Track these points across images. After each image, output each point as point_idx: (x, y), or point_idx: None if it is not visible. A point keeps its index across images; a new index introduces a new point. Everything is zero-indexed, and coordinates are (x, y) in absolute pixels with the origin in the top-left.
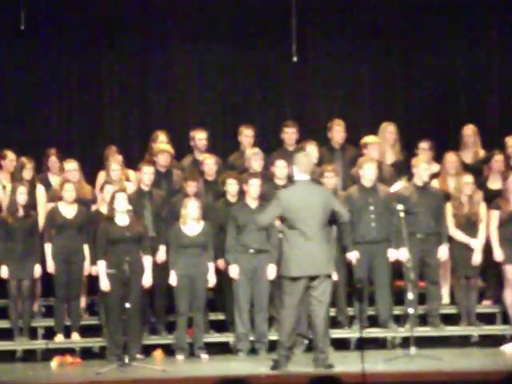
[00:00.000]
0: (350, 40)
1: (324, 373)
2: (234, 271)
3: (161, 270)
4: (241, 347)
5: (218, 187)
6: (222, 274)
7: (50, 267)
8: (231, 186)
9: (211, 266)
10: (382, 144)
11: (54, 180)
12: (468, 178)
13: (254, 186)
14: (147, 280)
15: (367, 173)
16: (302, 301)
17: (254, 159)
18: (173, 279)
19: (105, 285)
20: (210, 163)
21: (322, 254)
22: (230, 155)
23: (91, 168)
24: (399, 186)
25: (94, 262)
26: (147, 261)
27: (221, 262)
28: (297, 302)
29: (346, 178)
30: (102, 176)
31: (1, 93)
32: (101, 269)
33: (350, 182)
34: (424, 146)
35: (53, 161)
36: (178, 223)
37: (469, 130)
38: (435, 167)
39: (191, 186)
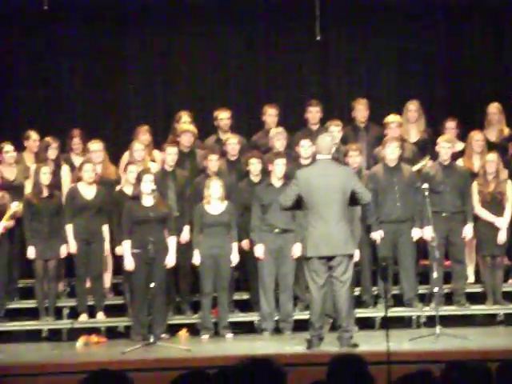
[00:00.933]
0: (373, 18)
1: (347, 352)
2: (259, 251)
3: (185, 250)
4: (266, 327)
5: (241, 167)
6: (246, 254)
7: (72, 248)
8: (254, 166)
9: (235, 246)
10: (405, 122)
11: (78, 161)
12: (493, 156)
13: (279, 166)
14: (171, 260)
15: (389, 152)
16: (326, 281)
17: (277, 138)
18: (196, 259)
19: (129, 264)
20: (232, 143)
21: (340, 234)
22: (253, 135)
23: (116, 149)
24: (421, 165)
25: (118, 242)
26: (171, 241)
27: (245, 242)
28: (321, 282)
29: (370, 157)
30: (126, 156)
31: (25, 74)
32: (125, 249)
33: (372, 161)
34: (449, 124)
35: (76, 142)
36: (201, 203)
37: (494, 108)
38: (460, 146)
39: (212, 161)
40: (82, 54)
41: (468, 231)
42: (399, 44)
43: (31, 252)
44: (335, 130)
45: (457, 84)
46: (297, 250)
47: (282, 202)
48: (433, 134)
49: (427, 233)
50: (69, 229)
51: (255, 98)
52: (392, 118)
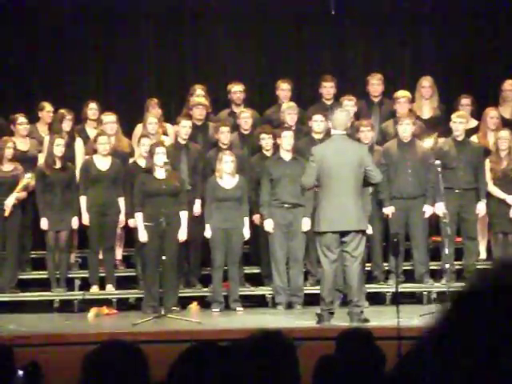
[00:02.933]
0: None
1: (356, 326)
2: (268, 225)
3: (196, 224)
4: (279, 301)
5: (254, 141)
6: (257, 228)
7: (85, 220)
8: (266, 140)
9: (246, 220)
10: (419, 99)
11: (92, 133)
12: (505, 133)
13: (286, 139)
14: (182, 234)
15: (402, 129)
16: (338, 256)
17: (288, 113)
18: (208, 232)
19: (143, 236)
20: (245, 116)
21: (354, 209)
22: (267, 109)
23: (129, 121)
24: (430, 142)
25: (131, 215)
26: (183, 215)
27: (256, 217)
28: (333, 257)
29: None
30: (139, 129)
31: (40, 46)
32: (139, 221)
33: (381, 136)
34: (464, 101)
35: (92, 114)
36: (213, 177)
37: (509, 85)
38: (473, 123)
39: (224, 133)
40: (96, 26)
41: (481, 208)
42: (414, 20)
43: (44, 223)
44: (348, 104)
45: (472, 61)
46: (305, 224)
47: (304, 182)
48: (446, 111)
49: (439, 209)
50: (82, 200)
51: (269, 72)
52: (401, 93)
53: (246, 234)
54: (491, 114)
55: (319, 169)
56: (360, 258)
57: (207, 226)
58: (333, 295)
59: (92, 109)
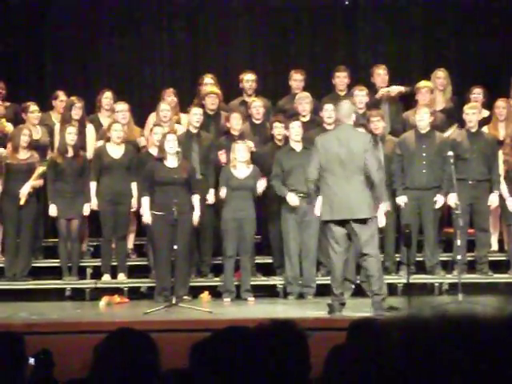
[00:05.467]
0: None
1: (366, 317)
2: (293, 198)
3: (207, 213)
4: (291, 291)
5: (266, 131)
6: (269, 218)
7: (94, 205)
8: (278, 130)
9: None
10: (433, 90)
11: (106, 121)
12: None
13: (294, 129)
14: (196, 218)
15: (419, 119)
16: (346, 247)
17: (300, 103)
18: (225, 219)
19: (147, 219)
20: (257, 105)
21: (356, 197)
22: (280, 99)
23: (141, 111)
24: (450, 133)
25: (138, 199)
26: (196, 199)
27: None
28: (339, 248)
29: (395, 122)
30: (152, 118)
31: (56, 36)
32: (144, 205)
33: (401, 125)
34: (476, 92)
35: (106, 102)
36: (227, 166)
37: None
38: (485, 113)
39: (235, 119)
40: (110, 15)
41: (493, 199)
42: (427, 11)
43: (53, 210)
44: (360, 94)
45: (483, 52)
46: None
47: (308, 176)
48: (459, 102)
49: (451, 200)
50: (92, 186)
51: (282, 62)
52: (423, 84)
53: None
54: (501, 104)
55: (323, 158)
56: (371, 245)
57: (224, 211)
58: (342, 287)
59: (107, 98)
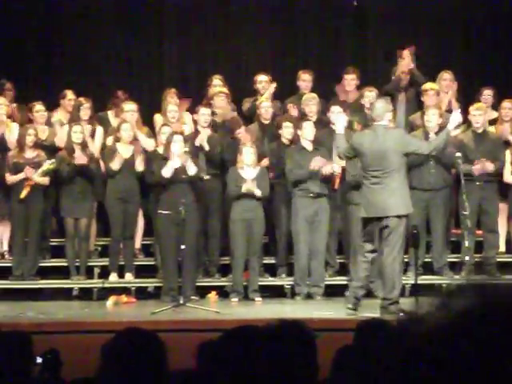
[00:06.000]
0: None
1: (372, 317)
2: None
3: (215, 213)
4: (299, 291)
5: (274, 131)
6: (275, 219)
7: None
8: (286, 129)
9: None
10: (439, 92)
11: (115, 121)
12: None
13: (307, 129)
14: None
15: (427, 120)
16: (379, 244)
17: (306, 104)
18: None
19: (167, 172)
20: (266, 106)
21: (393, 196)
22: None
23: (148, 111)
24: (457, 131)
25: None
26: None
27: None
28: (370, 247)
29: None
30: (159, 118)
31: (61, 35)
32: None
33: (409, 127)
34: (486, 92)
35: (118, 101)
36: (235, 167)
37: None
38: (493, 114)
39: (204, 115)
40: (118, 16)
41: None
42: (436, 11)
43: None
44: (369, 95)
45: (492, 53)
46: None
47: (341, 150)
48: (465, 104)
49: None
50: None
51: (291, 62)
52: (430, 85)
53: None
54: (506, 105)
55: (359, 156)
56: (397, 246)
57: (234, 205)
58: (364, 287)
59: (120, 96)
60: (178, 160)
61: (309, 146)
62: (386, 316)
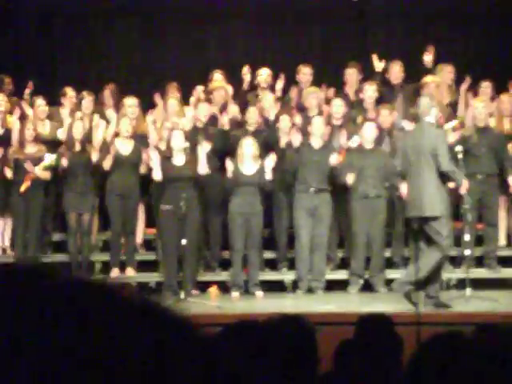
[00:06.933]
0: None
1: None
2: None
3: (216, 208)
4: (301, 285)
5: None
6: (276, 213)
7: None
8: (284, 122)
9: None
10: (440, 84)
11: (111, 115)
12: None
13: (316, 124)
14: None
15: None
16: (424, 244)
17: (306, 98)
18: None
19: (157, 175)
20: (267, 99)
21: (429, 195)
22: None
23: (149, 106)
24: (452, 124)
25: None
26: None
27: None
28: (418, 245)
29: (407, 115)
30: (156, 112)
31: (61, 33)
32: (154, 159)
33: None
34: (484, 86)
35: (107, 96)
36: (235, 161)
37: None
38: (493, 106)
39: (252, 113)
40: (119, 13)
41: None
42: (436, 6)
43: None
44: (369, 89)
45: (493, 46)
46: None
47: (398, 168)
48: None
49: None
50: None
51: (291, 57)
52: (430, 79)
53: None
54: (505, 99)
55: (403, 154)
56: (438, 243)
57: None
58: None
59: (109, 90)
60: (181, 156)
61: (316, 143)
62: (434, 307)
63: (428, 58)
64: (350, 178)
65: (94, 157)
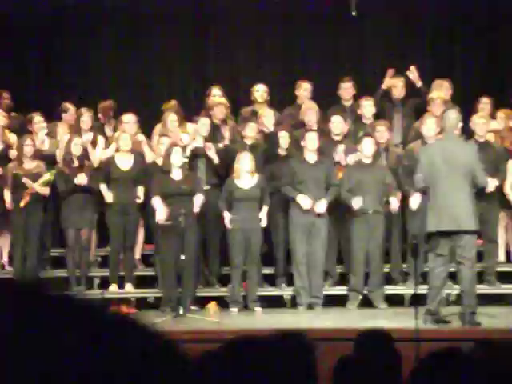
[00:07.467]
0: None
1: (373, 327)
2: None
3: (214, 223)
4: (300, 302)
5: (275, 140)
6: (273, 229)
7: (108, 197)
8: (282, 139)
9: (265, 209)
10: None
11: (110, 132)
12: None
13: (310, 140)
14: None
15: (426, 129)
16: (447, 260)
17: (305, 114)
18: (227, 221)
19: (161, 218)
20: (266, 114)
21: (462, 209)
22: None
23: (147, 123)
24: None
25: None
26: (198, 198)
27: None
28: (441, 261)
29: (407, 131)
30: (158, 129)
31: (59, 48)
32: (157, 203)
33: (411, 136)
34: (484, 102)
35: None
36: (231, 177)
37: None
38: (494, 124)
39: (251, 128)
40: (118, 26)
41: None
42: (434, 21)
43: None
44: (366, 104)
45: (491, 63)
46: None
47: (416, 185)
48: (462, 112)
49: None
50: (103, 187)
51: (289, 72)
52: (437, 95)
53: (264, 222)
54: (502, 115)
55: (428, 168)
56: (472, 260)
57: (226, 215)
58: (438, 301)
59: (107, 108)
60: (179, 172)
61: (311, 158)
62: (468, 325)
63: (412, 75)
64: (356, 203)
65: (81, 179)
